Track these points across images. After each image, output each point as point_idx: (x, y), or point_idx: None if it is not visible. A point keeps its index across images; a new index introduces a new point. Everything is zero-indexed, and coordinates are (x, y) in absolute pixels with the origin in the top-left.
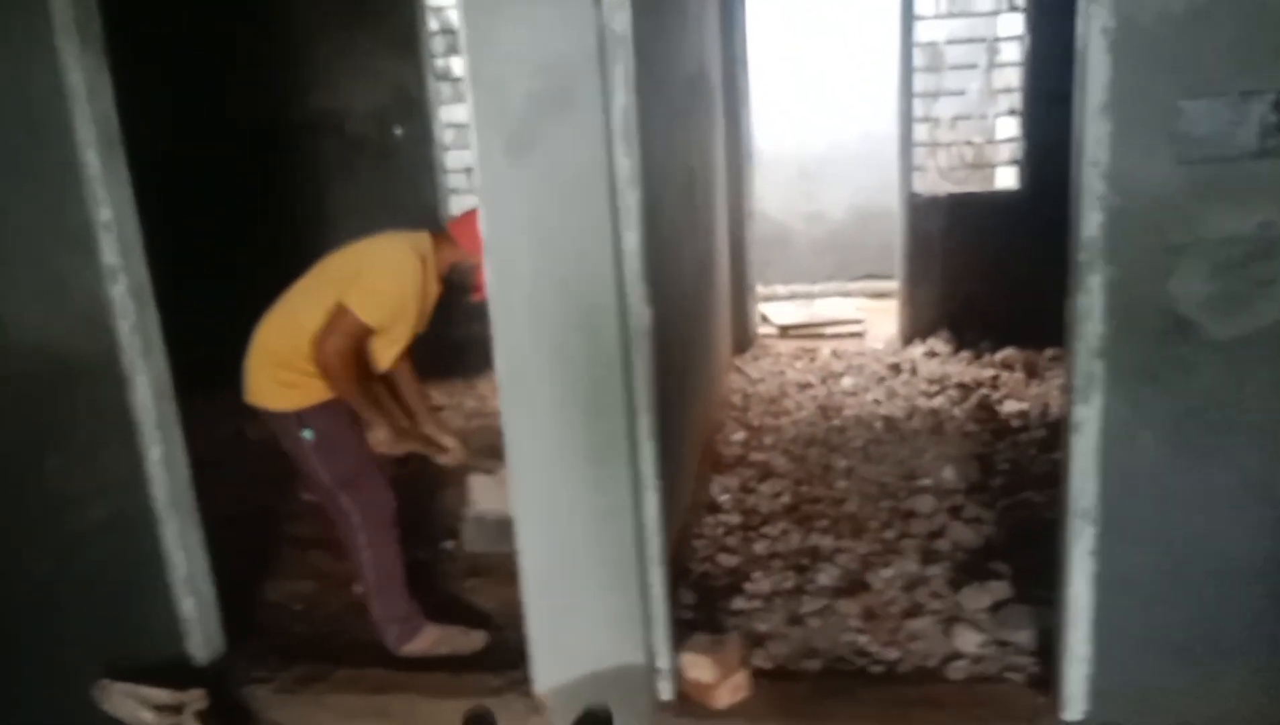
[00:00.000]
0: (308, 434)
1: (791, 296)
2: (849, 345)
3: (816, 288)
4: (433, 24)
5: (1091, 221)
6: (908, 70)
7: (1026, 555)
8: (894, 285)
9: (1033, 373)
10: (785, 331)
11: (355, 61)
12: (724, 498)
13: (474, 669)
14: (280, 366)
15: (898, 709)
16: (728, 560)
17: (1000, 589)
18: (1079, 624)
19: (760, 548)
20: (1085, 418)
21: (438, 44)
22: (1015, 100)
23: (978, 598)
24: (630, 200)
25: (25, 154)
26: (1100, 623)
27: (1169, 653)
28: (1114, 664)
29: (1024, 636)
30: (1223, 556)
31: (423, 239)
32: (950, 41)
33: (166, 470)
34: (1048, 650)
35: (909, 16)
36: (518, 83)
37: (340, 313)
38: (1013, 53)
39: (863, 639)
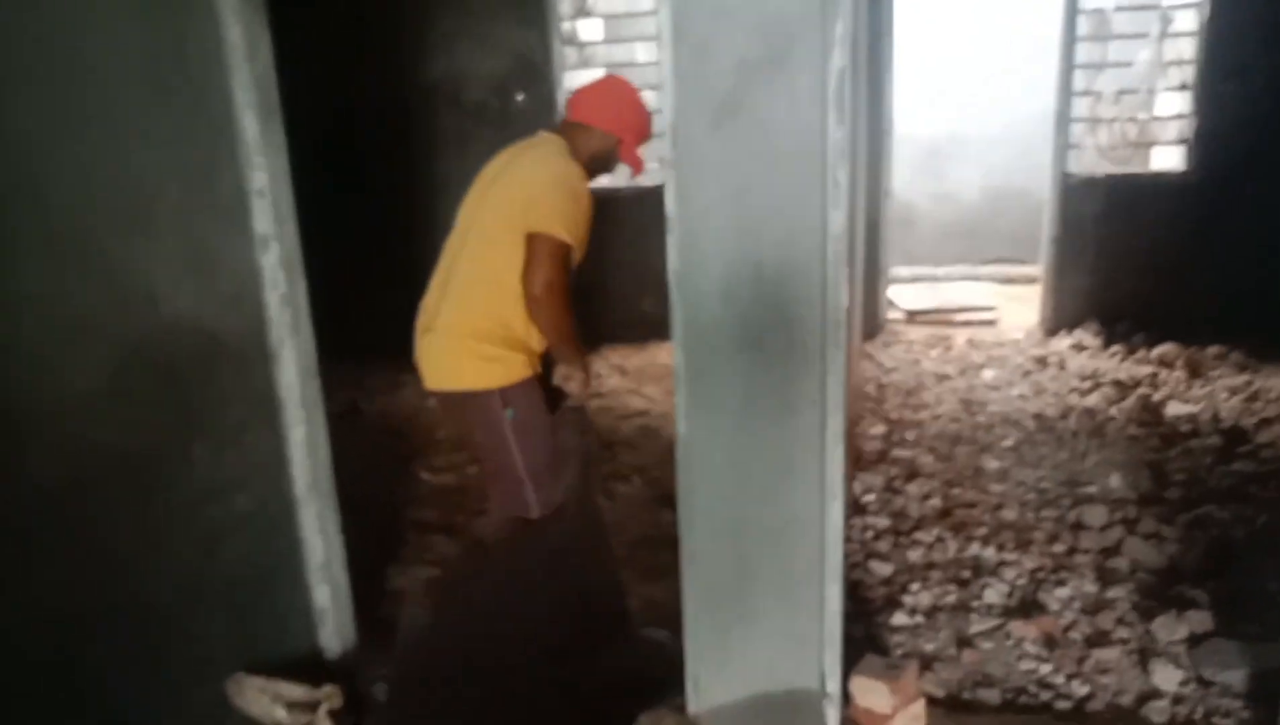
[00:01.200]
0: (510, 413)
1: (915, 279)
2: (985, 334)
3: (941, 271)
4: None
5: None
6: (1070, 39)
7: (1221, 581)
8: (1027, 271)
9: (1195, 372)
10: (913, 317)
11: (476, 26)
12: (869, 497)
13: None
14: (483, 340)
15: None
16: (880, 568)
17: (1199, 620)
18: None
19: (915, 556)
20: None
21: (565, 7)
22: (1187, 74)
23: (1173, 628)
24: (840, 175)
25: (181, 119)
26: None
27: None
28: None
29: (1233, 677)
30: None
31: (557, 141)
32: (1119, 8)
33: (309, 452)
34: (1264, 694)
35: None
36: (729, 42)
37: (537, 241)
38: (1188, 22)
39: (1044, 668)
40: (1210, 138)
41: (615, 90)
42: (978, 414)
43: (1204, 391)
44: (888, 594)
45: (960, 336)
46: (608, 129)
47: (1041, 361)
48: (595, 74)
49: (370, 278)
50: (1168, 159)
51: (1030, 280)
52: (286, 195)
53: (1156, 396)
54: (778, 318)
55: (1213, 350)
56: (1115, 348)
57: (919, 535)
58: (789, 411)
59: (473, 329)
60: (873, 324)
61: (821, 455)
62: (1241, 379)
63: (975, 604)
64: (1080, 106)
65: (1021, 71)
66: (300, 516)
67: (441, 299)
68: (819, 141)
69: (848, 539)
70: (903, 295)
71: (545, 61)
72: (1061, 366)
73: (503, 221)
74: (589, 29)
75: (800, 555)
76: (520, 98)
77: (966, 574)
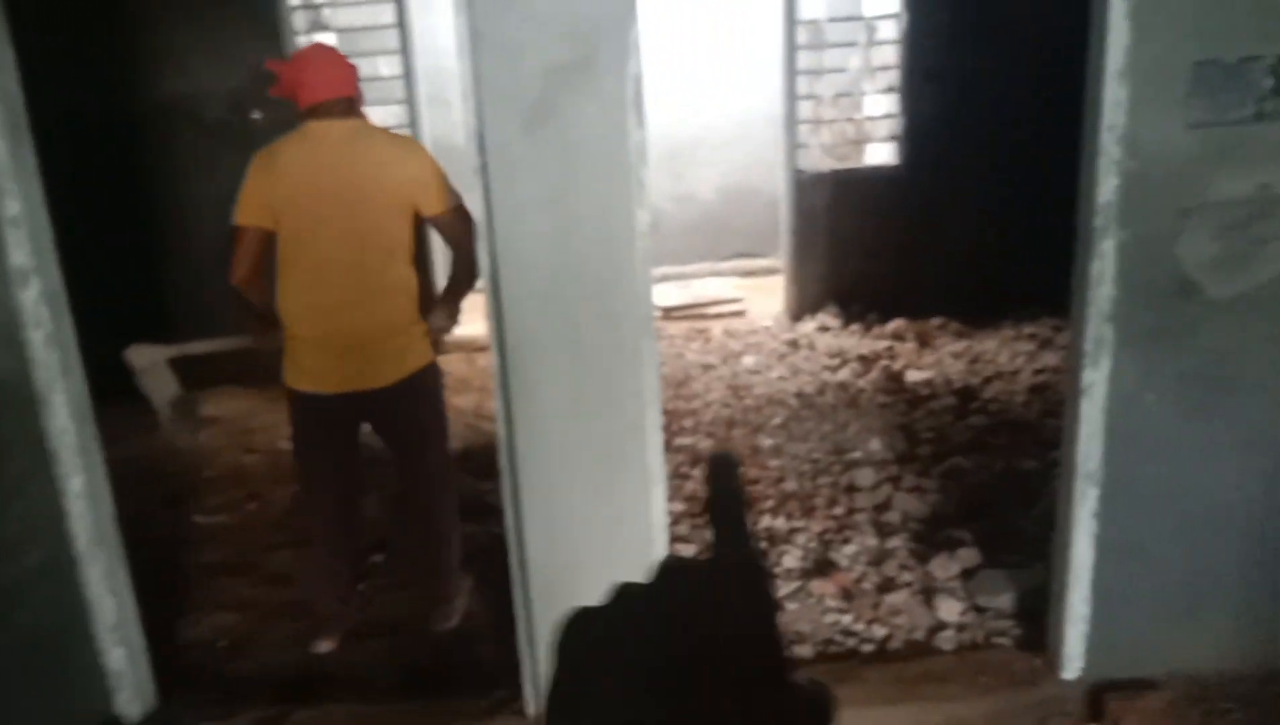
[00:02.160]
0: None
1: (664, 278)
2: (738, 324)
3: (688, 269)
4: None
5: (1107, 186)
6: (791, 48)
7: (979, 521)
8: (765, 263)
9: (925, 342)
10: (669, 313)
11: (211, 40)
12: None
13: (454, 693)
14: (414, 322)
15: (903, 687)
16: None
17: (968, 557)
18: (1079, 584)
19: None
20: (1094, 381)
21: (299, 20)
22: (893, 78)
23: (948, 566)
24: (643, 175)
25: None
26: (1099, 582)
27: (1164, 605)
28: (1111, 621)
29: (1003, 601)
30: (1218, 508)
31: (360, 121)
32: (831, 19)
33: (90, 504)
34: (1029, 612)
35: None
36: (537, 48)
37: (456, 215)
38: (890, 31)
39: (845, 619)
40: (915, 134)
41: (339, 55)
42: (745, 398)
43: (934, 358)
44: None
45: (716, 328)
46: (357, 92)
47: (793, 344)
48: None
49: (110, 312)
50: (882, 154)
51: (769, 271)
52: (44, 223)
53: (896, 366)
54: (597, 316)
55: (935, 322)
56: (854, 326)
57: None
58: (612, 406)
59: (408, 320)
60: None
61: (643, 444)
62: (962, 345)
63: (777, 570)
64: (804, 109)
65: (747, 78)
66: (86, 574)
67: (354, 311)
68: (623, 144)
69: None
70: (657, 294)
71: None
72: (811, 347)
73: (394, 216)
74: (325, 43)
75: (631, 543)
76: (257, 115)
77: (764, 544)
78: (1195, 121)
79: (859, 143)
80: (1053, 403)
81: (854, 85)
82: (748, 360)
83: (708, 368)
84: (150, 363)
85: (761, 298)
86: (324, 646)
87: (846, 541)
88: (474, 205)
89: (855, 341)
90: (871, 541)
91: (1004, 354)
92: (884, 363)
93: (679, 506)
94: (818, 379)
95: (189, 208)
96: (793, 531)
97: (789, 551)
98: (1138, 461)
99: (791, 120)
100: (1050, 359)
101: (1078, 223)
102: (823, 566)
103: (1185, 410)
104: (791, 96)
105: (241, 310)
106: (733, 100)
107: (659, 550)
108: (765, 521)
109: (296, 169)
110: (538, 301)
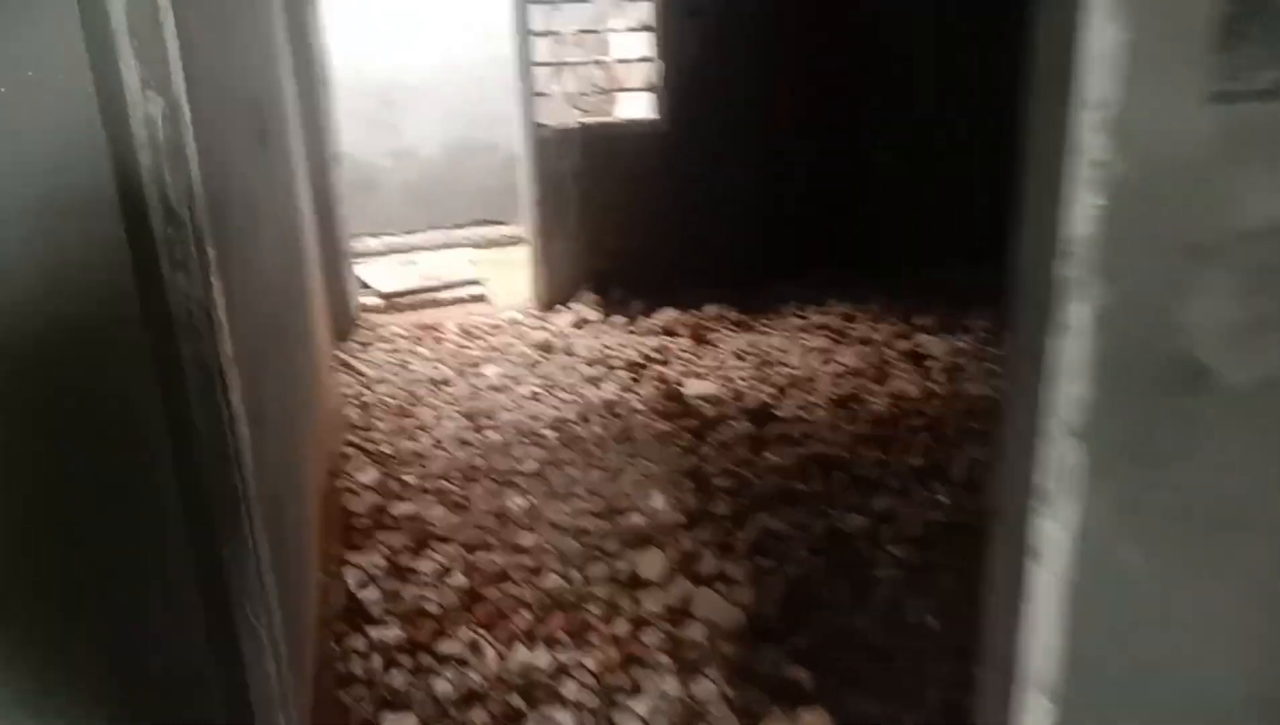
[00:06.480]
0: None
1: (388, 251)
2: (478, 315)
3: (416, 239)
4: None
5: (1084, 209)
6: None
7: (810, 625)
8: (506, 231)
9: (700, 338)
10: (391, 301)
11: None
12: (367, 592)
13: None
14: None
15: None
16: (402, 723)
17: (815, 721)
18: None
19: (443, 686)
20: (1053, 536)
21: None
22: (645, 12)
23: None
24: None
25: None
26: None
27: None
28: None
29: None
30: (1219, 704)
31: None
32: None
33: None
34: None
35: None
36: None
37: None
38: None
39: None
40: (677, 82)
41: None
42: (487, 429)
43: (715, 362)
44: None
45: (450, 321)
46: None
47: (546, 347)
48: None
49: None
50: (639, 106)
51: (511, 241)
52: None
53: (671, 375)
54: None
55: (710, 311)
56: (617, 317)
57: (445, 646)
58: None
59: None
60: (343, 320)
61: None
62: (744, 340)
63: None
64: (541, 48)
65: (471, 10)
66: None
67: None
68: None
69: (351, 680)
70: (375, 274)
71: None
72: (569, 351)
73: None
74: None
75: None
76: None
77: (518, 701)
78: (1219, 92)
79: (610, 92)
80: (862, 423)
81: (600, 21)
82: (490, 371)
83: (439, 384)
84: None
85: (504, 275)
86: None
87: (636, 690)
88: None
89: (619, 339)
90: (671, 684)
91: (794, 353)
92: (657, 370)
93: (394, 632)
94: (579, 398)
95: None
96: (560, 673)
97: (553, 714)
98: (1114, 651)
99: (525, 61)
100: (847, 358)
101: (1014, 272)
102: None
103: (1178, 564)
104: (524, 32)
105: None
106: (451, 40)
107: None
108: (519, 655)
109: None
110: None
